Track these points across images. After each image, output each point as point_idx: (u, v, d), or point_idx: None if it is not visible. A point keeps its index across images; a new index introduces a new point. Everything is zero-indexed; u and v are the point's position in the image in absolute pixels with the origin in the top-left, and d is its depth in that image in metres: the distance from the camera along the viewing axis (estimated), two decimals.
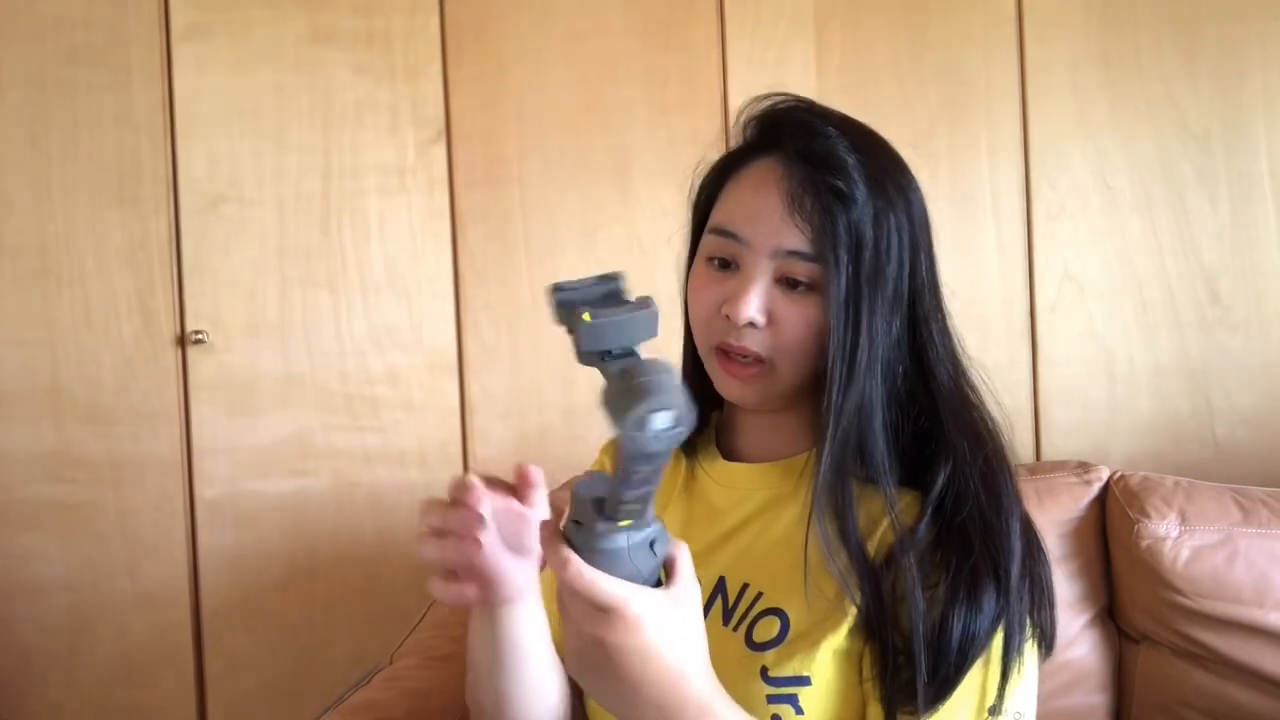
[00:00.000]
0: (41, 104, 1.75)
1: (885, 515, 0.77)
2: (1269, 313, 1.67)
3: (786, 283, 0.78)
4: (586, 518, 0.60)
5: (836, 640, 0.75)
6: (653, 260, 1.72)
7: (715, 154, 0.88)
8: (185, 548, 1.78)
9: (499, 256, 1.76)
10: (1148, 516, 1.31)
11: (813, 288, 0.78)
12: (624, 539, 0.60)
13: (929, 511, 0.76)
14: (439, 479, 1.75)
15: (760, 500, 0.85)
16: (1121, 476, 1.41)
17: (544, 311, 1.83)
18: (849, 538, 0.75)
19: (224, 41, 1.75)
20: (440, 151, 1.75)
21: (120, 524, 1.77)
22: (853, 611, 0.75)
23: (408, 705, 1.17)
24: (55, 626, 1.78)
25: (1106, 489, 1.41)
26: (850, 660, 0.75)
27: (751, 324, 0.78)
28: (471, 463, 1.76)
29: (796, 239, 0.77)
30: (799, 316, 0.78)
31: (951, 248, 1.64)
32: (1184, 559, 1.28)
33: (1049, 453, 1.70)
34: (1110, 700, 1.36)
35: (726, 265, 0.81)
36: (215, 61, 1.75)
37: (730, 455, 0.90)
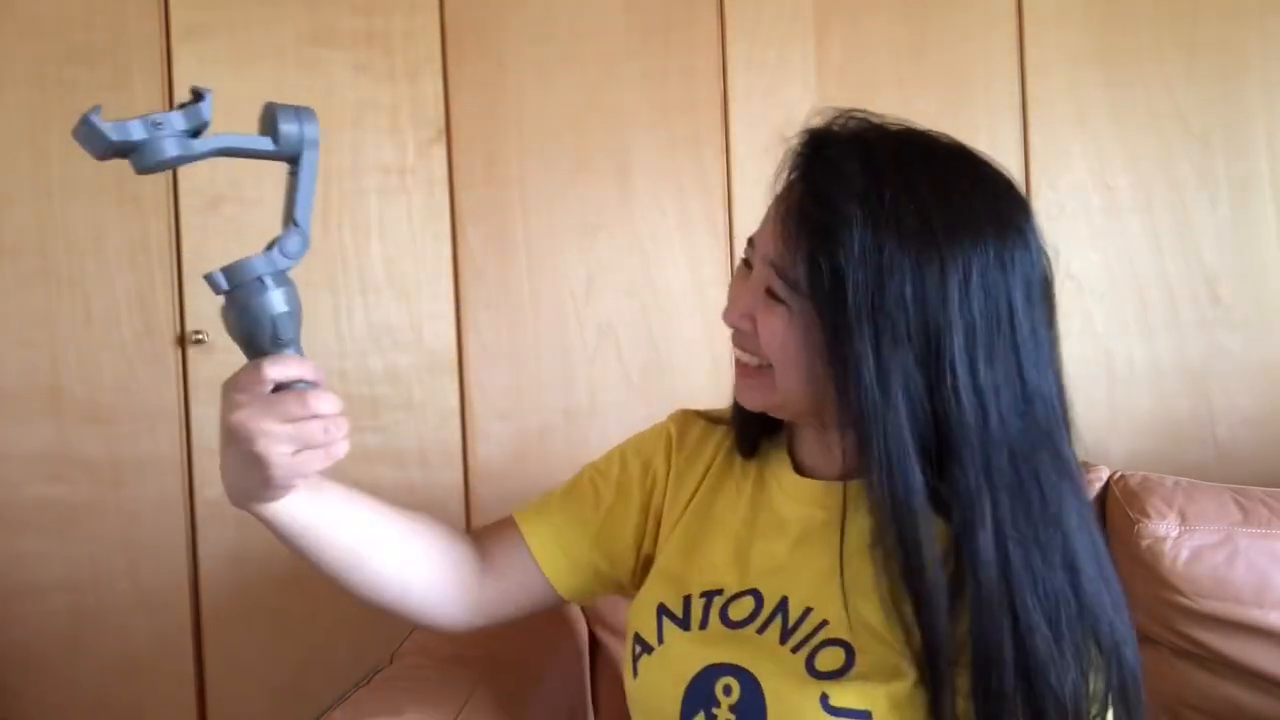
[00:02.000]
0: (41, 104, 1.75)
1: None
2: (1269, 313, 1.67)
3: (769, 293, 0.80)
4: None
5: (903, 688, 0.73)
6: (653, 260, 1.72)
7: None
8: (185, 548, 1.78)
9: (499, 256, 1.75)
10: (1148, 516, 1.31)
11: (784, 301, 0.78)
12: None
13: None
14: (439, 479, 1.75)
15: (822, 518, 0.84)
16: (1121, 476, 1.41)
17: (544, 311, 1.82)
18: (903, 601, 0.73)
19: (224, 41, 1.74)
20: (440, 151, 1.75)
21: (120, 524, 1.77)
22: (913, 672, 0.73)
23: None
24: (55, 627, 1.78)
25: (1106, 489, 1.41)
26: (915, 707, 0.73)
27: (739, 328, 0.81)
28: (472, 462, 1.76)
29: (778, 252, 0.78)
30: (768, 326, 0.79)
31: None
32: (1184, 559, 1.28)
33: None
34: None
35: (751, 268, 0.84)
36: (215, 61, 1.74)
37: (798, 469, 0.90)
